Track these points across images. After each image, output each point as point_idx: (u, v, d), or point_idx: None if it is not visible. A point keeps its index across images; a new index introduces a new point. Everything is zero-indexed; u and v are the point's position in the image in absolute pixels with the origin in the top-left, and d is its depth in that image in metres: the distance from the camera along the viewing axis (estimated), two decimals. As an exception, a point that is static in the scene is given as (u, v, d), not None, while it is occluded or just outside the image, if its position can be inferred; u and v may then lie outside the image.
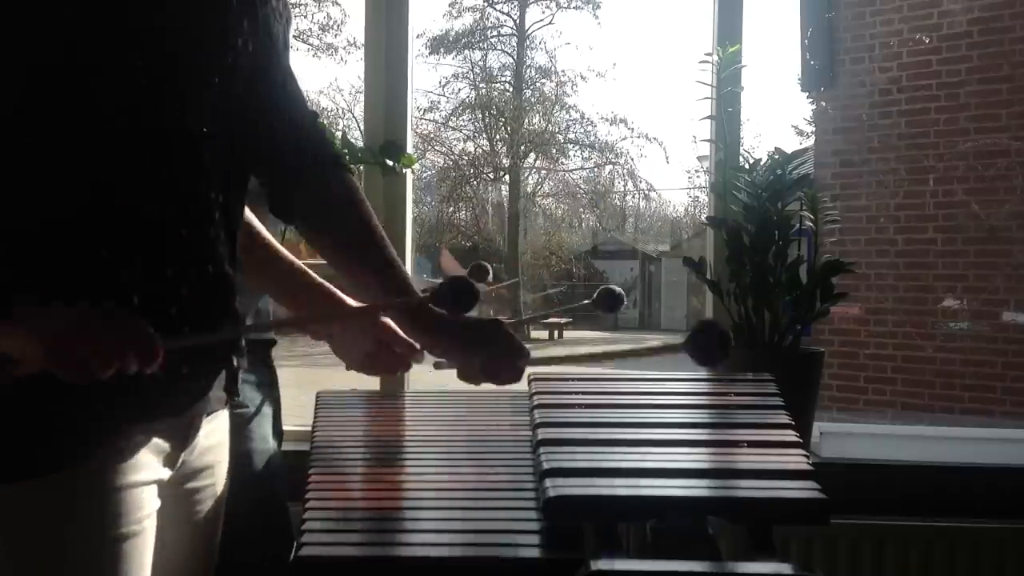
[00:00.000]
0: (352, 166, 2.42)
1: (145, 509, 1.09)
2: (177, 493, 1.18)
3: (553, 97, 20.09)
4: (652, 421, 1.55)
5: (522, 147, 19.64)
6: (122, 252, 1.05)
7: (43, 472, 1.02)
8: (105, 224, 1.05)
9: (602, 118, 22.74)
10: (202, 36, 1.11)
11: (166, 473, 1.14)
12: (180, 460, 1.17)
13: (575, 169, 20.84)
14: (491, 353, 1.23)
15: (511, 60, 20.08)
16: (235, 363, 1.21)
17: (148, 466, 1.10)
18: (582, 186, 21.05)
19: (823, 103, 6.94)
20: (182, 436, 1.17)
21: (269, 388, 1.77)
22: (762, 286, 2.23)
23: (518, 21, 19.94)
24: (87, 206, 1.04)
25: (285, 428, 1.87)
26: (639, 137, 21.02)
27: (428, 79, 20.98)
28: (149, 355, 0.99)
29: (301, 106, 1.31)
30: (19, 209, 1.02)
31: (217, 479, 1.26)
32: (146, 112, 1.06)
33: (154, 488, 1.11)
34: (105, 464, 1.05)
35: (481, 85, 20.17)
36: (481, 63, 20.16)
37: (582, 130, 20.23)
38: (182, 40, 1.08)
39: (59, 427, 1.02)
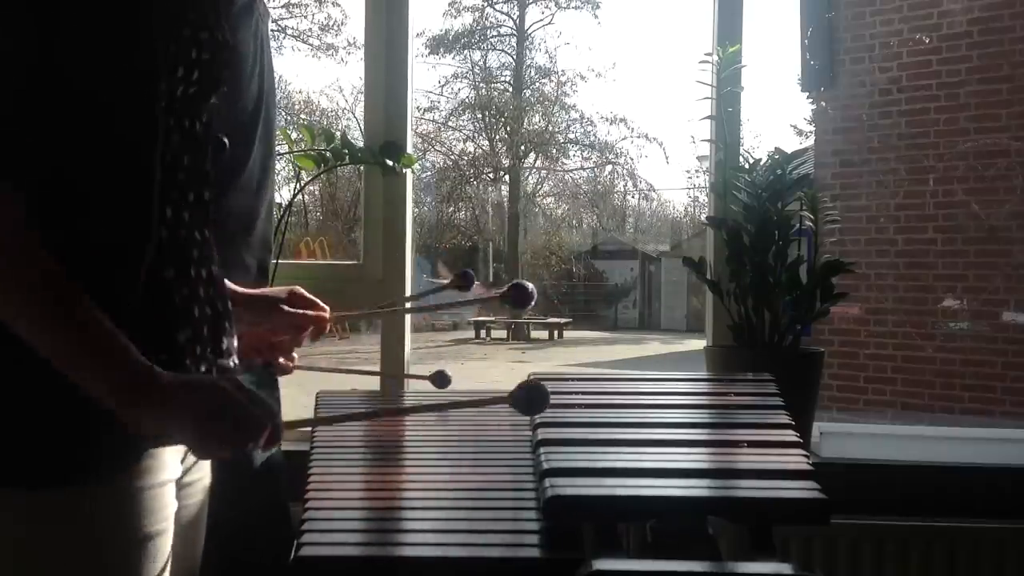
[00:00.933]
0: (353, 166, 2.44)
1: (169, 507, 1.12)
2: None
3: (553, 97, 20.10)
4: (652, 421, 1.55)
5: (522, 147, 19.65)
6: (163, 253, 1.08)
7: (89, 480, 1.03)
8: (125, 224, 1.06)
9: (602, 118, 22.76)
10: (222, 43, 1.13)
11: (180, 470, 1.16)
12: (186, 456, 1.19)
13: (575, 169, 20.85)
14: None
15: (511, 60, 20.09)
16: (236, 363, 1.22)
17: (170, 464, 1.12)
18: (582, 186, 21.06)
19: (823, 103, 6.95)
20: None
21: (268, 389, 1.77)
22: (762, 286, 2.23)
23: (518, 21, 19.96)
24: (132, 206, 1.05)
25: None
26: (639, 137, 21.02)
27: (428, 79, 20.99)
28: (274, 439, 1.06)
29: (272, 116, 1.36)
30: (40, 211, 1.02)
31: (204, 472, 1.27)
32: (175, 115, 1.08)
33: (173, 486, 1.13)
34: (139, 467, 1.06)
35: (481, 85, 20.18)
36: (481, 63, 20.18)
37: (582, 130, 20.24)
38: (212, 48, 1.11)
39: (103, 437, 1.03)
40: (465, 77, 20.17)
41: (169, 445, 1.04)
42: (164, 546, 1.10)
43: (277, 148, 1.71)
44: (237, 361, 1.23)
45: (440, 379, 1.71)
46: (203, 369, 1.13)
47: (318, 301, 1.48)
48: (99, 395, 0.99)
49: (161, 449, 1.09)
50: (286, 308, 1.44)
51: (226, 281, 1.40)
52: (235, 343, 1.22)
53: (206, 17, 1.10)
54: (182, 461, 1.18)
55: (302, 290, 1.48)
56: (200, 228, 1.14)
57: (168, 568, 1.12)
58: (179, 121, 1.10)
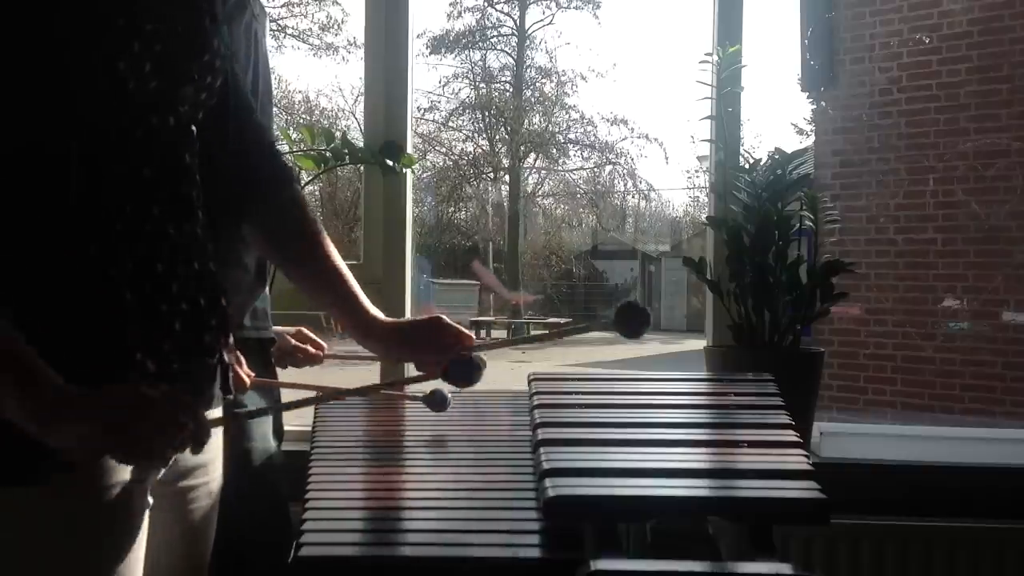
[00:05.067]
0: (353, 166, 2.44)
1: (136, 507, 1.10)
2: (170, 492, 1.18)
3: (553, 97, 20.10)
4: (652, 421, 1.55)
5: (522, 147, 19.64)
6: (112, 249, 1.06)
7: (50, 476, 1.02)
8: (94, 222, 1.05)
9: (602, 118, 22.77)
10: (186, 36, 1.12)
11: (159, 471, 1.15)
12: (173, 458, 1.17)
13: (575, 169, 20.84)
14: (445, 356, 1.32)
15: (511, 60, 20.08)
16: (226, 359, 1.21)
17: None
18: (582, 186, 21.05)
19: (823, 103, 6.94)
20: None
21: (269, 388, 1.77)
22: (762, 286, 2.23)
23: (518, 21, 19.95)
24: (77, 204, 1.04)
25: (285, 428, 1.87)
26: (639, 137, 21.05)
27: (428, 79, 21.00)
28: (201, 436, 1.06)
29: (268, 115, 1.33)
30: (7, 210, 1.02)
31: (212, 476, 1.26)
32: (133, 110, 1.07)
33: (144, 486, 1.11)
34: (103, 463, 1.05)
35: (481, 85, 20.17)
36: (481, 63, 20.17)
37: (582, 130, 20.22)
38: (168, 40, 1.09)
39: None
40: (465, 77, 20.17)
41: (93, 457, 1.02)
42: (127, 546, 1.08)
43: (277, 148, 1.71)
44: (225, 357, 1.22)
45: (435, 401, 1.67)
46: (175, 367, 1.11)
47: (463, 331, 1.40)
48: (5, 412, 0.97)
49: None
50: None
51: (371, 310, 1.34)
52: (226, 339, 1.21)
53: (148, 8, 1.07)
54: (171, 464, 1.17)
55: (447, 320, 1.40)
56: (176, 223, 1.12)
57: (140, 569, 1.10)
58: (142, 116, 1.08)
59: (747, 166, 2.31)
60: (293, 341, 1.85)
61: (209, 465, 1.25)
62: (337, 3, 18.11)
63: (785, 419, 1.52)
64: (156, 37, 1.07)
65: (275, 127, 1.77)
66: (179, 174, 1.13)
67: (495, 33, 20.13)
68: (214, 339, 1.18)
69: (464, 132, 20.06)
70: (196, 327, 1.14)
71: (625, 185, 21.20)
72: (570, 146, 20.43)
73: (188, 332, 1.13)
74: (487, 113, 19.91)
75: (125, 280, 1.07)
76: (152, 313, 1.09)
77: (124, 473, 1.08)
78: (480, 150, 20.03)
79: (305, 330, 1.80)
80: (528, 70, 20.08)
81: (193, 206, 1.15)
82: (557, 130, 20.20)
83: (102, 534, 1.06)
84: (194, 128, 1.16)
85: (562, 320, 17.89)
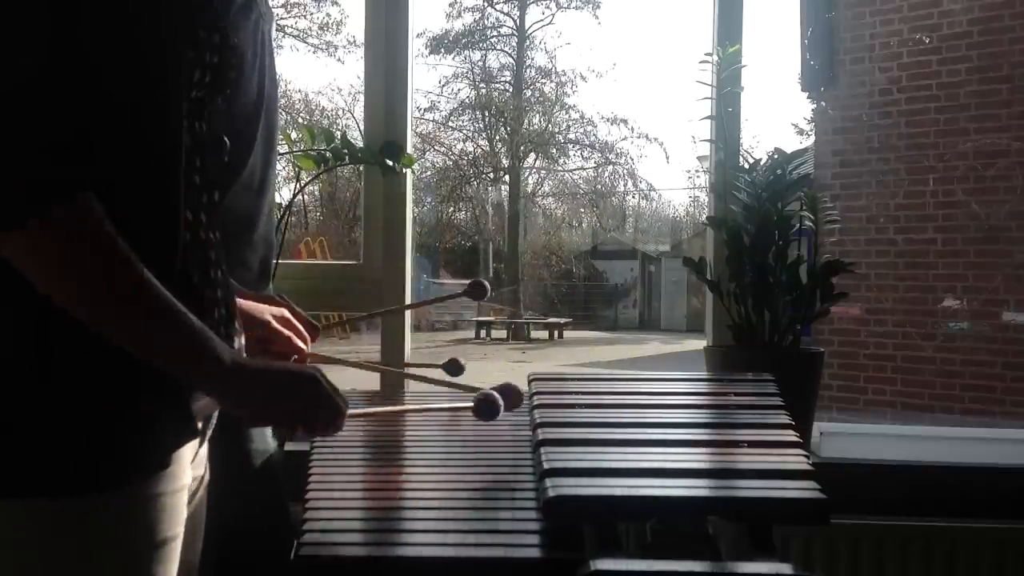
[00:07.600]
0: (353, 166, 2.44)
1: (183, 511, 1.11)
2: None
3: (553, 97, 20.09)
4: (652, 421, 1.55)
5: (522, 147, 19.64)
6: (184, 259, 1.07)
7: (109, 486, 1.03)
8: (155, 230, 1.05)
9: (602, 118, 22.77)
10: (223, 44, 1.12)
11: (191, 472, 1.16)
12: (195, 457, 1.19)
13: (575, 169, 20.85)
14: None
15: (511, 60, 20.09)
16: None
17: (186, 470, 1.12)
18: (582, 186, 21.05)
19: (823, 103, 6.94)
20: (204, 436, 1.20)
21: None
22: (762, 286, 2.22)
23: (518, 21, 19.96)
24: (129, 214, 1.03)
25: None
26: (639, 137, 21.03)
27: (428, 79, 21.01)
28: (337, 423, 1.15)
29: (274, 113, 1.37)
30: None
31: (203, 471, 1.27)
32: (170, 117, 1.07)
33: (187, 491, 1.13)
34: (161, 472, 1.06)
35: (481, 85, 20.17)
36: (481, 63, 20.17)
37: (582, 130, 20.23)
38: (211, 49, 1.10)
39: (126, 444, 1.03)
40: (465, 77, 20.18)
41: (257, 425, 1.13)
42: (176, 550, 1.10)
43: (278, 148, 1.71)
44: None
45: (453, 368, 1.69)
46: None
47: (303, 332, 1.46)
48: (192, 384, 1.06)
49: (181, 454, 1.08)
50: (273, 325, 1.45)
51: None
52: (243, 341, 1.22)
53: (215, 19, 1.09)
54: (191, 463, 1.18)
55: (290, 317, 1.46)
56: (213, 229, 1.14)
57: (176, 571, 1.11)
58: (190, 124, 1.09)
59: (747, 166, 2.31)
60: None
61: (203, 457, 1.26)
62: (336, 2, 18.13)
63: (785, 419, 1.52)
64: (215, 48, 1.09)
65: (278, 128, 1.76)
66: (214, 180, 1.14)
67: (495, 33, 20.14)
68: (240, 342, 1.19)
69: (464, 132, 20.08)
70: (229, 333, 1.15)
71: (625, 185, 21.22)
72: (570, 146, 20.44)
73: (226, 338, 1.14)
74: (487, 113, 19.91)
75: (198, 287, 1.09)
76: (211, 321, 1.10)
77: (182, 479, 1.09)
78: (480, 150, 20.04)
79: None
80: (528, 70, 20.10)
81: (211, 210, 1.15)
82: (557, 130, 20.21)
83: (155, 539, 1.07)
84: (224, 136, 1.17)
85: (562, 320, 17.90)
